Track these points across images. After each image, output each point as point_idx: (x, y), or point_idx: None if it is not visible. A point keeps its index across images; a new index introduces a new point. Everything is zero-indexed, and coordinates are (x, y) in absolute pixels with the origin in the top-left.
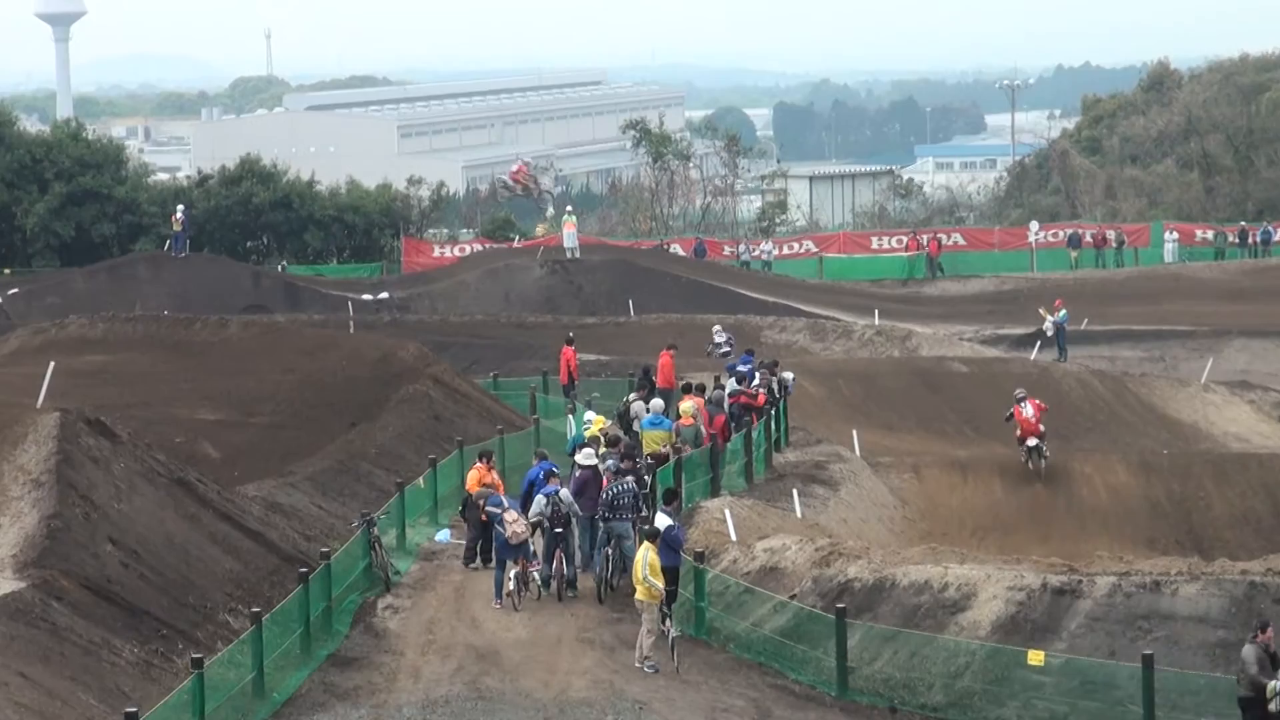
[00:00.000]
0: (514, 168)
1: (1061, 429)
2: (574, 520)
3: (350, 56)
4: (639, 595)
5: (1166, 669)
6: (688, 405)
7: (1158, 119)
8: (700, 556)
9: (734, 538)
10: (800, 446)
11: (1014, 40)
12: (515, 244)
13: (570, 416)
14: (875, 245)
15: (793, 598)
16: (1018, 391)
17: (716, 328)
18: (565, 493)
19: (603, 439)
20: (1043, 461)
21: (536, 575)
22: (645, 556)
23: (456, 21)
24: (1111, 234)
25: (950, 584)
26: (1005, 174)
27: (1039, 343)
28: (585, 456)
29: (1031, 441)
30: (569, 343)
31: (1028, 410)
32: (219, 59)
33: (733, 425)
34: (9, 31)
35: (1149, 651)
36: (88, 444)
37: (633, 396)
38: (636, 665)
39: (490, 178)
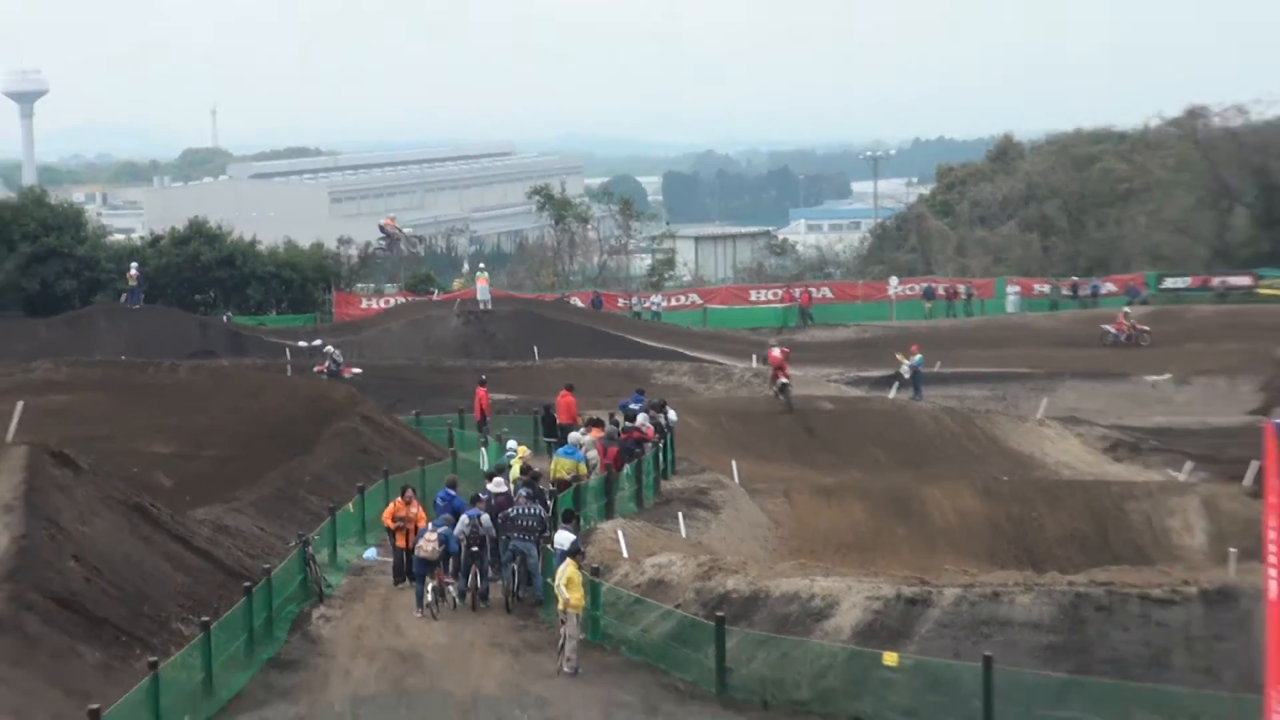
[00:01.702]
0: (383, 220)
1: (915, 459)
2: (487, 540)
3: (288, 129)
4: (561, 605)
5: (1004, 668)
6: (589, 438)
7: (1003, 186)
8: (596, 571)
9: (626, 554)
10: (685, 475)
11: (877, 115)
12: (435, 297)
13: (483, 449)
14: (754, 298)
15: (677, 607)
16: (770, 339)
17: (328, 347)
18: (486, 518)
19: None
20: (791, 399)
21: (452, 589)
22: (565, 570)
23: (384, 97)
24: (961, 287)
25: (816, 595)
26: (868, 235)
27: (896, 383)
28: (496, 484)
29: (781, 380)
30: (482, 384)
31: (776, 351)
32: (170, 131)
33: (625, 457)
34: None
35: (989, 653)
36: (53, 474)
37: (580, 432)
38: (558, 669)
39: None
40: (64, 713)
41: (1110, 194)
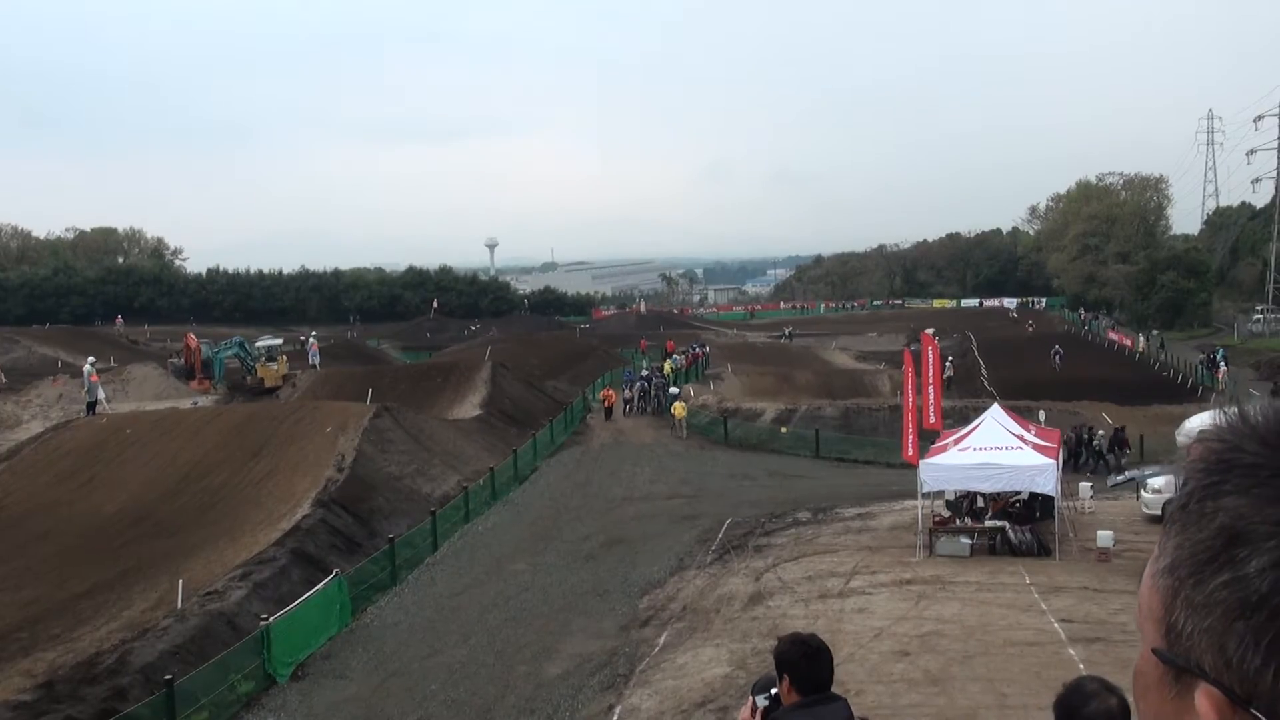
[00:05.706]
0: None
1: (790, 360)
2: (646, 388)
3: None
4: (675, 414)
5: (821, 431)
6: (678, 356)
7: None
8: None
9: (693, 394)
10: (712, 369)
11: None
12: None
13: (644, 360)
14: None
15: (709, 413)
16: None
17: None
18: (641, 384)
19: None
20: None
21: (632, 406)
22: (675, 401)
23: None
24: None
25: (757, 407)
26: None
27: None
28: (650, 369)
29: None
30: (645, 339)
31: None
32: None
33: (694, 362)
34: None
35: (817, 428)
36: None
37: (677, 354)
38: (677, 435)
39: None
40: None
41: None
